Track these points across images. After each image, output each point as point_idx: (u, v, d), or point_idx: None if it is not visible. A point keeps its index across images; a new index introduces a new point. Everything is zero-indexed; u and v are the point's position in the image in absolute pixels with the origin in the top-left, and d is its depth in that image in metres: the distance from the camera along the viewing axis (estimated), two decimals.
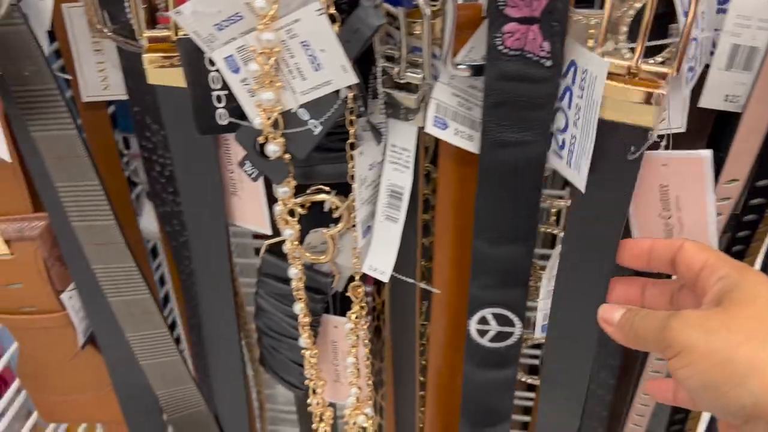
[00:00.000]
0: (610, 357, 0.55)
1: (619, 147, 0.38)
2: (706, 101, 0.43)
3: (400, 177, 0.45)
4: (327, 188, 0.48)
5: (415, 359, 0.56)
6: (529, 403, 0.75)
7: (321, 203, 0.49)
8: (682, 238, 0.41)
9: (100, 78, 0.51)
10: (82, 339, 0.60)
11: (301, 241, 0.49)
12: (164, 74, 0.42)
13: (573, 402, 0.53)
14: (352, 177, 0.45)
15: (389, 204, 0.46)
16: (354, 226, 0.49)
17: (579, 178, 0.39)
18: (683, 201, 0.43)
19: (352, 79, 0.39)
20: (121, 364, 0.60)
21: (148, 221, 0.66)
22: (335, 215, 0.49)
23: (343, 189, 0.49)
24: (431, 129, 0.41)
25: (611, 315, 0.41)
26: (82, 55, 0.50)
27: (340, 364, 0.57)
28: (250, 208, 0.49)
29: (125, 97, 0.52)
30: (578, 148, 0.38)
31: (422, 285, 0.50)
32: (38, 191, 0.50)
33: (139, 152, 0.51)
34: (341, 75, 0.39)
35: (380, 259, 0.48)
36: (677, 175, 0.42)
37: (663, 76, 0.36)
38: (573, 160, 0.39)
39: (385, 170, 0.46)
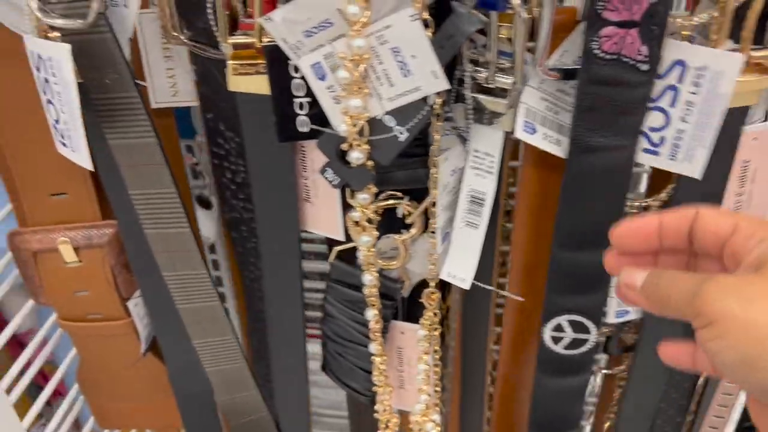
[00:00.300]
0: (681, 377, 0.54)
1: (727, 129, 0.39)
2: None
3: (482, 182, 0.45)
4: (399, 194, 0.48)
5: (486, 366, 0.56)
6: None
7: (391, 209, 0.49)
8: (693, 207, 0.36)
9: (169, 84, 0.50)
10: (144, 346, 0.60)
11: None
12: (246, 81, 0.42)
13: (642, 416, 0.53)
14: (434, 183, 0.45)
15: (470, 210, 0.46)
16: (427, 231, 0.49)
17: (692, 168, 0.40)
18: (759, 174, 0.43)
19: (444, 85, 0.39)
20: (184, 371, 0.60)
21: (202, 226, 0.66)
22: (408, 221, 0.48)
23: (415, 195, 0.48)
24: (520, 134, 0.41)
25: (633, 278, 0.36)
26: (152, 61, 0.49)
27: (405, 370, 0.57)
28: (323, 214, 0.48)
29: (194, 104, 0.52)
30: (689, 141, 0.39)
31: (504, 293, 0.49)
32: (109, 199, 0.50)
33: (209, 158, 0.51)
34: (432, 81, 0.39)
35: (459, 265, 0.48)
36: (762, 149, 0.42)
37: None
38: (681, 153, 0.40)
39: (466, 176, 0.45)
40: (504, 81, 0.40)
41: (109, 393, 0.65)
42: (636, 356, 0.53)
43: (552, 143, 0.41)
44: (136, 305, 0.56)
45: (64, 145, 0.44)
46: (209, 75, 0.46)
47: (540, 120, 0.40)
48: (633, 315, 0.51)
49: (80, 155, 0.43)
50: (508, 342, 0.53)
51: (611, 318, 0.51)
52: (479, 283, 0.48)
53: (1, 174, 0.51)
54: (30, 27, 0.43)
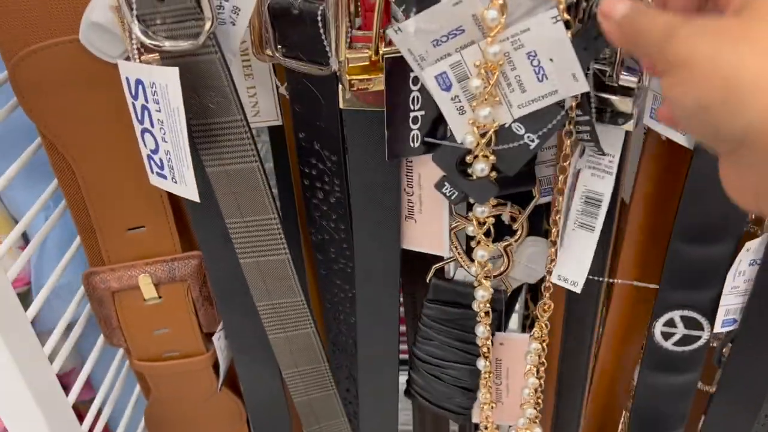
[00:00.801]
0: None
1: None
2: None
3: (599, 183, 0.43)
4: (502, 200, 0.46)
5: (588, 370, 0.54)
6: None
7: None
8: None
9: (251, 104, 0.48)
10: (221, 380, 0.57)
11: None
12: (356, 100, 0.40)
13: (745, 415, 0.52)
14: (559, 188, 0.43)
15: (584, 211, 0.45)
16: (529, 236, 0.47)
17: None
18: None
19: (584, 87, 0.37)
20: (265, 405, 0.57)
21: None
22: (515, 227, 0.47)
23: (516, 200, 0.47)
24: (647, 120, 0.40)
25: (613, 6, 0.33)
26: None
27: (503, 383, 0.55)
28: (427, 231, 0.46)
29: (277, 123, 0.49)
30: None
31: (621, 281, 0.48)
32: (195, 229, 0.47)
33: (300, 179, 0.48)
34: (570, 84, 0.37)
35: (572, 269, 0.46)
36: None
37: None
38: None
39: (582, 176, 0.44)
40: (629, 79, 0.39)
41: (180, 430, 0.61)
42: (727, 372, 0.51)
43: (678, 132, 0.40)
44: (219, 339, 0.53)
45: (161, 176, 0.41)
46: (306, 93, 0.43)
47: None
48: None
49: (185, 186, 0.40)
50: (610, 337, 0.52)
51: (718, 327, 0.50)
52: (595, 277, 0.47)
53: (72, 209, 0.48)
54: (123, 52, 0.40)
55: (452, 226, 0.47)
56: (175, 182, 0.41)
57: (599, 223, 0.45)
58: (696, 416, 0.58)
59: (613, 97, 0.40)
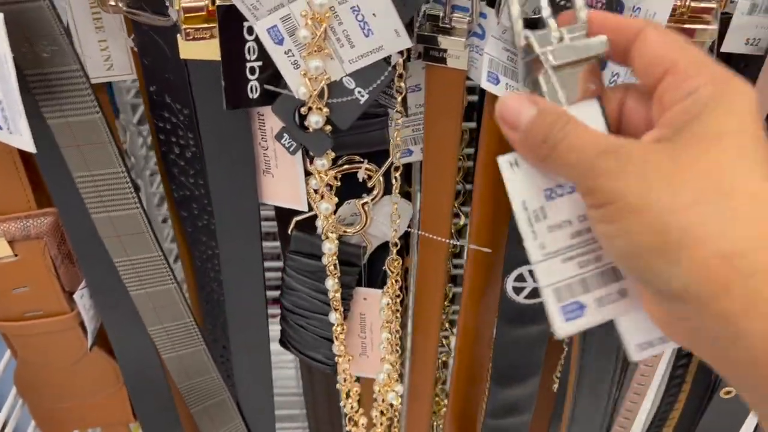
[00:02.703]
0: None
1: None
2: (728, 46, 0.45)
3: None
4: (358, 158, 0.48)
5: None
6: None
7: (351, 175, 0.48)
8: (645, 20, 0.29)
9: (103, 57, 0.47)
10: (90, 340, 0.56)
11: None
12: (198, 47, 0.40)
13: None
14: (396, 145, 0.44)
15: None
16: (387, 195, 0.49)
17: None
18: None
19: (407, 43, 0.38)
20: (136, 362, 0.57)
21: None
22: (370, 185, 0.48)
23: (373, 158, 0.48)
24: (485, 84, 0.41)
25: (518, 111, 0.28)
26: (82, 33, 0.46)
27: (368, 336, 0.56)
28: (284, 185, 0.47)
29: (131, 77, 0.49)
30: None
31: (473, 246, 0.50)
32: (47, 184, 0.47)
33: (153, 134, 0.48)
34: (394, 40, 0.38)
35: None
36: None
37: (708, 11, 0.38)
38: None
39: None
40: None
41: (53, 394, 0.61)
42: None
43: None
44: (82, 297, 0.53)
45: None
46: (153, 44, 0.43)
47: (502, 70, 0.41)
48: None
49: (20, 137, 0.39)
50: (467, 295, 0.54)
51: None
52: (454, 241, 0.49)
53: None
54: None
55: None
56: (11, 133, 0.40)
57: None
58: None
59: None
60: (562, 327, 0.29)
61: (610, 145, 0.26)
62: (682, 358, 0.65)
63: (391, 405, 0.60)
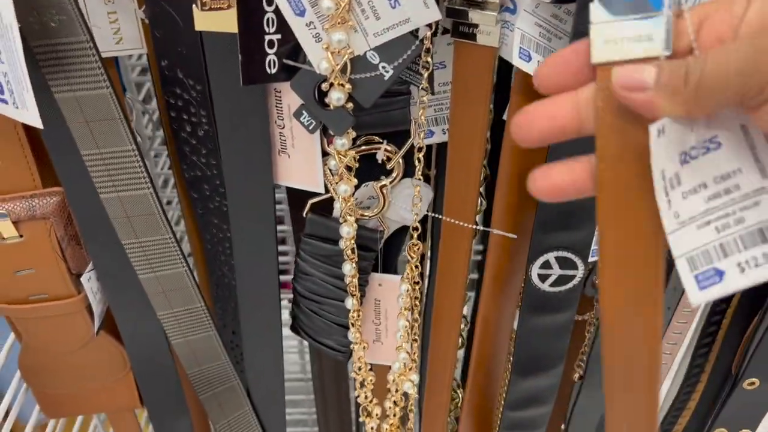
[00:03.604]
0: None
1: None
2: None
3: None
4: (377, 138, 0.46)
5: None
6: None
7: (368, 156, 0.46)
8: None
9: (112, 30, 0.45)
10: (97, 324, 0.55)
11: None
12: (214, 18, 0.38)
13: None
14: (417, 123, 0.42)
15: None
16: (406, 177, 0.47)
17: None
18: None
19: (436, 15, 0.36)
20: (144, 347, 0.56)
21: None
22: (389, 166, 0.46)
23: (392, 139, 0.46)
24: (517, 61, 0.39)
25: (638, 75, 0.26)
26: (90, 4, 0.44)
27: (382, 323, 0.55)
28: (300, 166, 0.45)
29: (142, 51, 0.47)
30: None
31: (498, 231, 0.48)
32: (54, 162, 0.45)
33: (164, 111, 0.46)
34: (422, 11, 0.36)
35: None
36: None
37: None
38: None
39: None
40: None
41: (58, 378, 0.59)
42: None
43: None
44: (89, 280, 0.51)
45: (2, 101, 0.39)
46: (165, 16, 0.41)
47: (534, 47, 0.39)
48: None
49: (27, 112, 0.37)
50: (490, 283, 0.52)
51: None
52: (480, 227, 0.47)
53: None
54: None
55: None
56: (17, 107, 0.38)
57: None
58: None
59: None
60: (696, 296, 0.28)
61: (752, 31, 0.25)
62: (703, 347, 0.64)
63: (406, 395, 0.59)
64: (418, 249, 0.49)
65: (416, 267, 0.50)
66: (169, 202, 0.94)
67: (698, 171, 0.28)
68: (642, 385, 0.34)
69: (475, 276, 0.67)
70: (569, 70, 0.29)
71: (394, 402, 0.59)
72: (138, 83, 0.80)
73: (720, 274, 0.28)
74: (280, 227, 0.93)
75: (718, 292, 0.28)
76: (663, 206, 0.28)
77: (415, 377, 0.57)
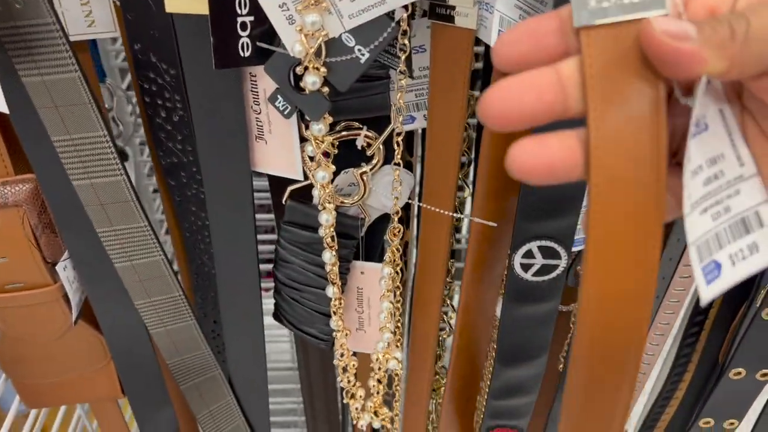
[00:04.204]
0: None
1: None
2: None
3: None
4: (357, 124, 0.45)
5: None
6: None
7: (348, 143, 0.45)
8: None
9: (84, 13, 0.44)
10: (75, 313, 0.54)
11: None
12: (185, 0, 0.37)
13: None
14: (398, 109, 0.41)
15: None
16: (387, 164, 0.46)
17: None
18: None
19: None
20: (123, 337, 0.55)
21: None
22: (369, 152, 0.45)
23: (373, 125, 0.45)
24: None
25: (680, 26, 0.23)
26: None
27: (365, 311, 0.54)
28: (278, 152, 0.44)
29: (115, 34, 0.45)
30: None
31: (477, 219, 0.47)
32: (24, 149, 0.44)
33: (139, 97, 0.45)
34: None
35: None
36: None
37: None
38: None
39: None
40: None
41: (37, 368, 0.59)
42: None
43: None
44: (65, 269, 0.50)
45: None
46: None
47: None
48: None
49: None
50: (470, 270, 0.51)
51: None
52: (459, 215, 0.46)
53: None
54: None
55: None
56: None
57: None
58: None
59: None
60: (705, 291, 0.26)
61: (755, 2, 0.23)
62: (690, 337, 0.63)
63: (390, 377, 0.58)
64: (399, 232, 0.48)
65: (397, 250, 0.49)
66: (155, 190, 0.93)
67: (697, 151, 0.26)
68: (613, 393, 0.29)
69: (461, 265, 0.66)
70: (535, 41, 0.25)
71: (378, 380, 0.58)
72: (122, 69, 0.78)
73: (718, 267, 0.26)
74: (266, 216, 0.92)
75: (719, 287, 0.26)
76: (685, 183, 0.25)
77: (399, 354, 0.56)
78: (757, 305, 0.51)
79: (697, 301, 0.59)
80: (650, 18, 0.23)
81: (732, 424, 0.62)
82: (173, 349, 0.53)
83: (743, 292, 0.54)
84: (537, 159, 0.25)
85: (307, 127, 0.42)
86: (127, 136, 0.75)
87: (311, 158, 0.44)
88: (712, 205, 0.26)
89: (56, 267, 0.49)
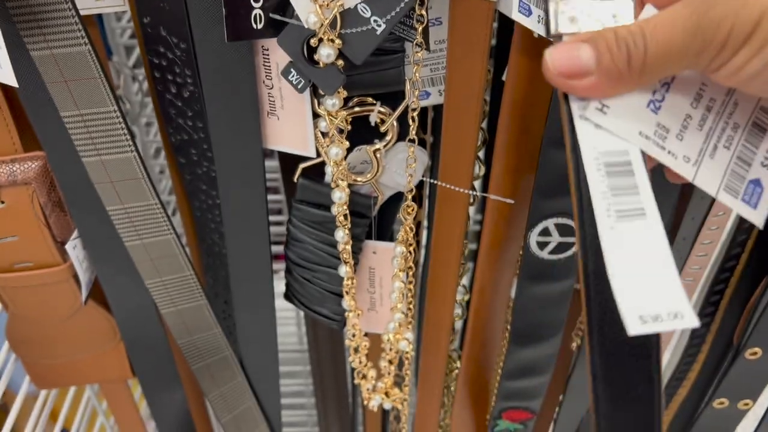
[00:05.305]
0: None
1: None
2: None
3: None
4: (371, 99, 0.44)
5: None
6: None
7: (361, 119, 0.44)
8: None
9: None
10: (84, 293, 0.53)
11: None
12: None
13: None
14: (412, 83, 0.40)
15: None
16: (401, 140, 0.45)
17: None
18: None
19: None
20: (133, 316, 0.54)
21: None
22: (383, 129, 0.44)
23: (386, 100, 0.44)
24: (516, 15, 0.37)
25: (576, 56, 0.26)
26: None
27: (377, 291, 0.53)
28: (290, 128, 0.43)
29: (123, 8, 0.44)
30: None
31: (493, 196, 0.46)
32: (33, 125, 0.43)
33: (148, 72, 0.44)
34: None
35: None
36: None
37: None
38: None
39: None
40: None
41: (46, 349, 0.58)
42: None
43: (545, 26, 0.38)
44: (74, 248, 0.49)
45: None
46: None
47: (535, 1, 0.37)
48: None
49: (1, 70, 0.36)
50: (486, 251, 0.51)
51: None
52: (477, 192, 0.45)
53: None
54: None
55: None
56: None
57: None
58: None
59: None
60: (759, 217, 0.27)
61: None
62: (705, 316, 0.62)
63: (401, 359, 0.58)
64: (412, 210, 0.48)
65: (411, 229, 0.49)
66: (162, 171, 0.93)
67: (674, 108, 0.26)
68: None
69: (474, 246, 0.66)
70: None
71: (389, 361, 0.58)
72: (128, 47, 0.77)
73: (756, 182, 0.27)
74: (275, 197, 0.91)
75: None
76: (670, 161, 0.26)
77: (410, 335, 0.55)
78: None
79: (713, 282, 0.58)
80: (545, 52, 0.27)
81: (746, 404, 0.62)
82: (184, 329, 0.53)
83: (760, 271, 0.54)
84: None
85: (320, 103, 0.41)
86: (133, 115, 0.74)
87: (324, 134, 0.43)
88: (719, 135, 0.27)
89: (66, 246, 0.49)
